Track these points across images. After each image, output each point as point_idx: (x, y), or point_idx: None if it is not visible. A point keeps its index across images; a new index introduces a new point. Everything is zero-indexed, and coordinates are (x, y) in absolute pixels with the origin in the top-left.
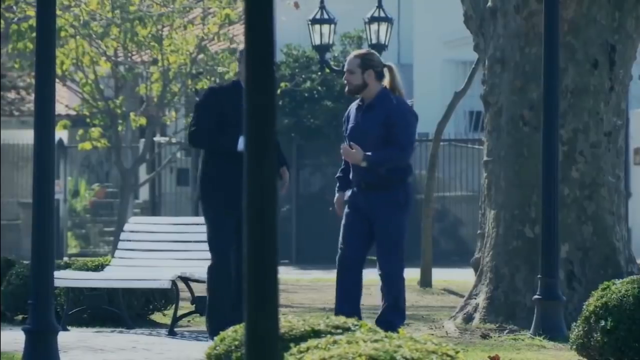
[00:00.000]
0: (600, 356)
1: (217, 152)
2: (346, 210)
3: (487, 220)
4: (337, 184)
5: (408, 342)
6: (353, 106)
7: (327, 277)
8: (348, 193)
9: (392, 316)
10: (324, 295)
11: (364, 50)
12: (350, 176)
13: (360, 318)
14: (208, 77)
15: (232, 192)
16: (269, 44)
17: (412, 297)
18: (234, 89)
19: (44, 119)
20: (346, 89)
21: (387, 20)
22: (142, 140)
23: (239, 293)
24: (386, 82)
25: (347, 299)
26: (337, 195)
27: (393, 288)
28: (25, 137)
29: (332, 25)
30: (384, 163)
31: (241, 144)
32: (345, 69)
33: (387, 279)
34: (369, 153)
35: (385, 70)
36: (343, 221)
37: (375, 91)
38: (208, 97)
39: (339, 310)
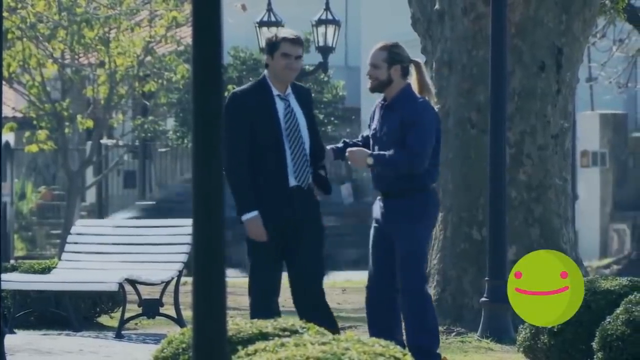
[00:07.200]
0: (547, 358)
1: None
2: (373, 223)
3: None
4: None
5: (356, 345)
6: (377, 103)
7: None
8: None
9: (420, 339)
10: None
11: (390, 42)
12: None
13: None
14: (155, 80)
15: None
16: (217, 46)
17: (359, 299)
18: (262, 91)
19: None
20: (369, 85)
21: (335, 22)
22: (89, 142)
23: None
24: (413, 80)
25: (379, 332)
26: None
27: (414, 307)
28: None
29: (280, 28)
30: (388, 166)
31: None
32: (369, 63)
33: (405, 297)
34: (376, 152)
35: (412, 67)
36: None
37: (398, 89)
38: (233, 107)
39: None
